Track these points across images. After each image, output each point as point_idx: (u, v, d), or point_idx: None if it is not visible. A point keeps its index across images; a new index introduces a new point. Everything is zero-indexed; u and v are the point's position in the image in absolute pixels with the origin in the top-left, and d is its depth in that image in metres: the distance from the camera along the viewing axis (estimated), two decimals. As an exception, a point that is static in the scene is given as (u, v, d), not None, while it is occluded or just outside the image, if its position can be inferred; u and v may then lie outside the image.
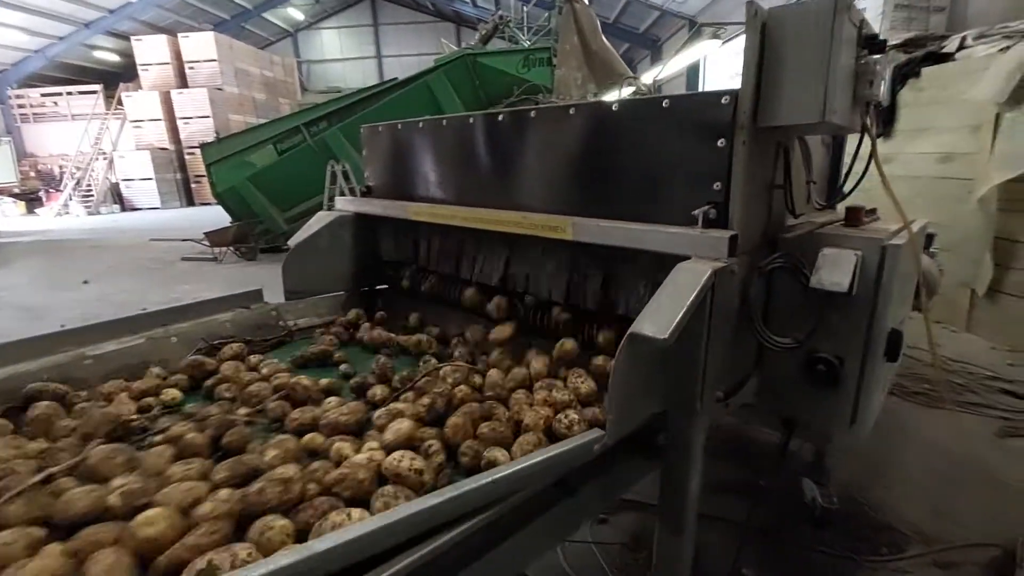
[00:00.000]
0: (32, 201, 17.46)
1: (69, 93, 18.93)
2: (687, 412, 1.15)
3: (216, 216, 9.99)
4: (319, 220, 2.06)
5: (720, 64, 11.70)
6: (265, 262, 8.26)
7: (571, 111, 1.37)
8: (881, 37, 1.17)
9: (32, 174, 18.23)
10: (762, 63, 1.10)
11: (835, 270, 1.16)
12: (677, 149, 1.21)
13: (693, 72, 11.67)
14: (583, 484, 1.10)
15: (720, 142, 1.13)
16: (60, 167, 18.29)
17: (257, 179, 8.36)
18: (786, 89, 1.07)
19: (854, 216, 1.31)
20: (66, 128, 18.67)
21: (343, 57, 27.92)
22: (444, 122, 1.74)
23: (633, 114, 1.28)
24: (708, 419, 1.19)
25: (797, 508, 2.30)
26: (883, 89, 1.22)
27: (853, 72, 1.16)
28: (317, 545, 0.66)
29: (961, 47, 4.23)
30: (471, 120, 1.63)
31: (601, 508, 1.27)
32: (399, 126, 1.92)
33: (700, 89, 11.01)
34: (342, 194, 7.78)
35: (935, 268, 1.89)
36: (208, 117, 17.12)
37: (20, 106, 18.85)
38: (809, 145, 1.53)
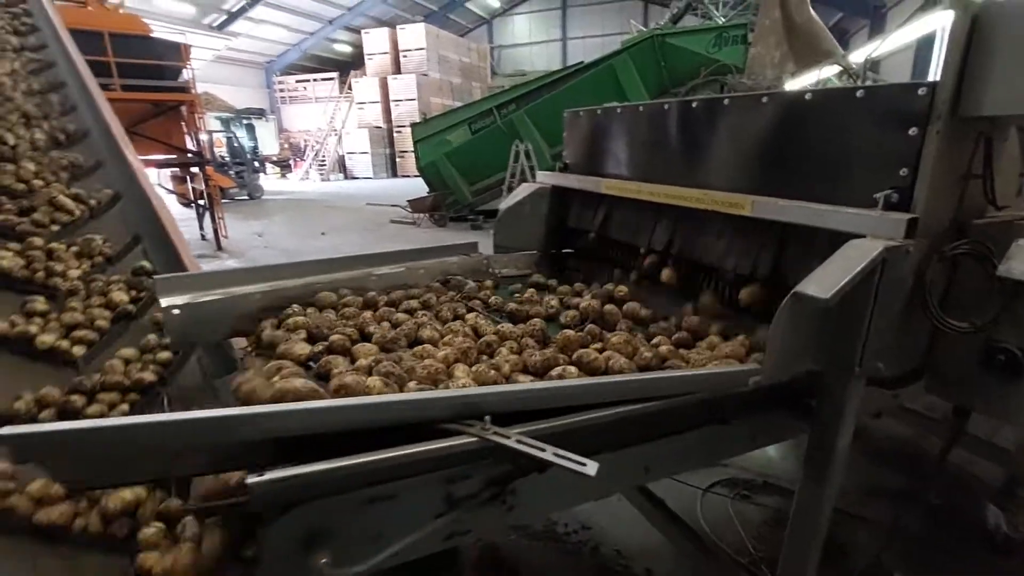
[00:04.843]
0: (284, 168, 22.11)
1: (315, 80, 23.13)
2: (844, 372, 1.28)
3: (415, 186, 11.55)
4: (523, 190, 2.49)
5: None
6: (452, 229, 9.39)
7: (764, 99, 1.53)
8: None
9: (286, 146, 22.91)
10: (968, 50, 1.15)
11: (1030, 260, 1.17)
12: (866, 136, 1.30)
13: (926, 47, 9.16)
14: (735, 417, 1.32)
15: (912, 131, 1.21)
16: (304, 141, 22.64)
17: (452, 155, 9.48)
18: (995, 77, 1.12)
19: (1070, 210, 1.25)
20: (310, 109, 22.94)
21: (530, 41, 29.06)
22: (640, 108, 2.00)
23: (826, 103, 1.40)
24: (863, 384, 1.30)
25: (970, 530, 2.17)
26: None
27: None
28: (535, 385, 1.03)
29: None
30: (666, 107, 1.87)
31: (747, 448, 1.47)
32: (598, 111, 2.23)
33: (931, 71, 9.05)
34: (522, 172, 8.46)
35: None
36: (414, 100, 19.52)
37: (281, 90, 23.62)
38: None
